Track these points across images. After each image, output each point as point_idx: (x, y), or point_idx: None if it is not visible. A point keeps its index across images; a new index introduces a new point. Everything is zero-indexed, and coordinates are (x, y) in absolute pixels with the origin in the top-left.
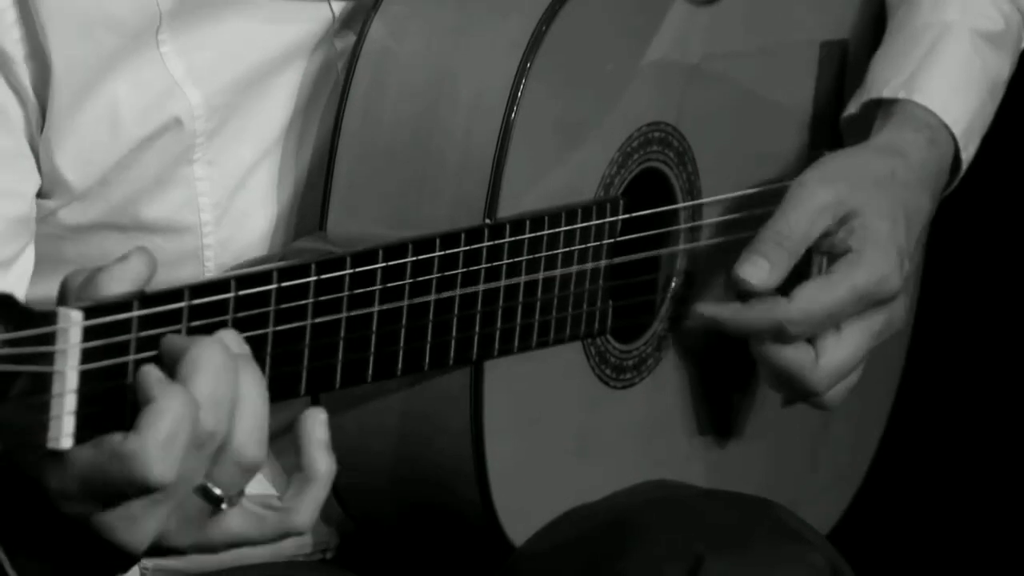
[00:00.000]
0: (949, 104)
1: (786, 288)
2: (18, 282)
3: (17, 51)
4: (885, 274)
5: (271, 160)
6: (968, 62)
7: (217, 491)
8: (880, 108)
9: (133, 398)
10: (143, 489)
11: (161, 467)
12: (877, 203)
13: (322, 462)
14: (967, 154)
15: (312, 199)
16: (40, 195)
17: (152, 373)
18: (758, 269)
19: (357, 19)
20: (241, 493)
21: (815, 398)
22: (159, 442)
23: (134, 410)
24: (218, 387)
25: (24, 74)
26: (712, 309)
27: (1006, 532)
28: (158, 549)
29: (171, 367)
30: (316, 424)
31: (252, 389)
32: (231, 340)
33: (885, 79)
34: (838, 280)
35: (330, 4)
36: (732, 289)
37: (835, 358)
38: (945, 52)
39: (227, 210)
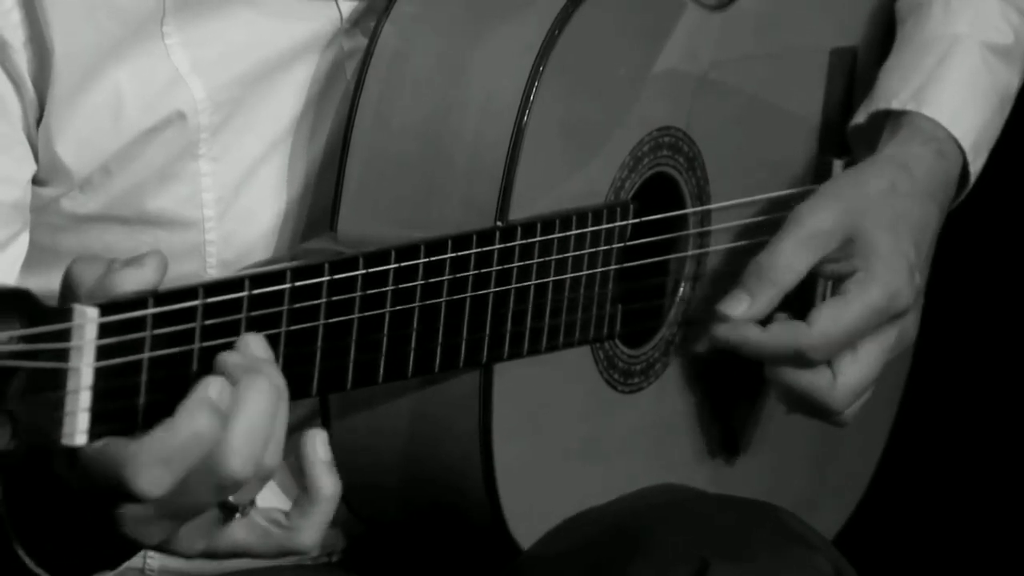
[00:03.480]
0: (958, 117)
1: (800, 315)
2: (10, 268)
3: (15, 36)
4: (897, 288)
5: (276, 158)
6: (977, 75)
7: (232, 500)
8: (888, 120)
9: (147, 397)
10: (126, 495)
11: (146, 481)
12: (875, 217)
13: (327, 483)
14: (975, 167)
15: (316, 198)
16: (39, 183)
17: (203, 389)
18: (738, 303)
19: (366, 20)
20: (252, 502)
21: (833, 417)
22: (158, 458)
23: (147, 408)
24: (260, 429)
25: (22, 60)
26: (732, 333)
27: (1009, 538)
28: (164, 549)
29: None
30: (317, 444)
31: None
32: (255, 344)
33: (893, 91)
34: (852, 299)
35: (337, 4)
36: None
37: (853, 378)
38: (954, 65)
39: (230, 206)
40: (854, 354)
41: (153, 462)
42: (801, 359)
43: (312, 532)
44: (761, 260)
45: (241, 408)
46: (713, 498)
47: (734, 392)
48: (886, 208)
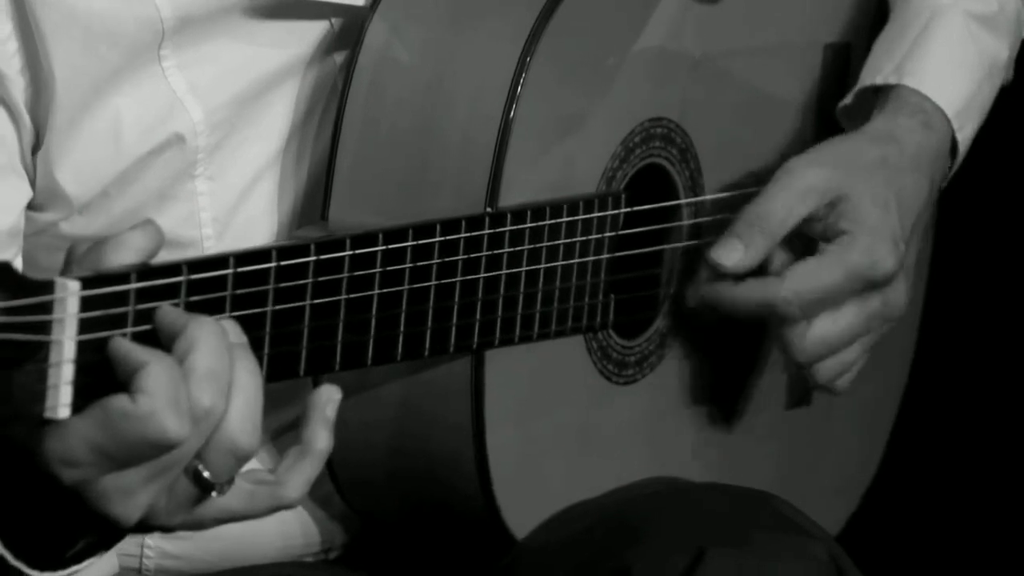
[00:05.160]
0: (941, 86)
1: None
2: None
3: (10, 66)
4: (879, 256)
5: (271, 174)
6: (960, 43)
7: (208, 476)
8: (877, 96)
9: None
10: (162, 447)
11: (176, 423)
12: (867, 188)
13: (322, 439)
14: (963, 135)
15: (313, 212)
16: (37, 208)
17: (129, 343)
18: (731, 251)
19: (356, 32)
20: (231, 481)
21: (804, 370)
22: (167, 400)
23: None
24: (215, 364)
25: (17, 89)
26: (706, 288)
27: (1010, 537)
28: (146, 525)
29: (167, 341)
30: (328, 402)
31: (247, 376)
32: (229, 328)
33: (878, 67)
34: (830, 261)
35: (330, 21)
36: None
37: (823, 329)
38: (936, 35)
39: (228, 225)
40: (834, 312)
41: (167, 406)
42: (773, 313)
43: (299, 485)
44: (755, 210)
45: (190, 350)
46: (708, 487)
47: (730, 388)
48: (876, 180)
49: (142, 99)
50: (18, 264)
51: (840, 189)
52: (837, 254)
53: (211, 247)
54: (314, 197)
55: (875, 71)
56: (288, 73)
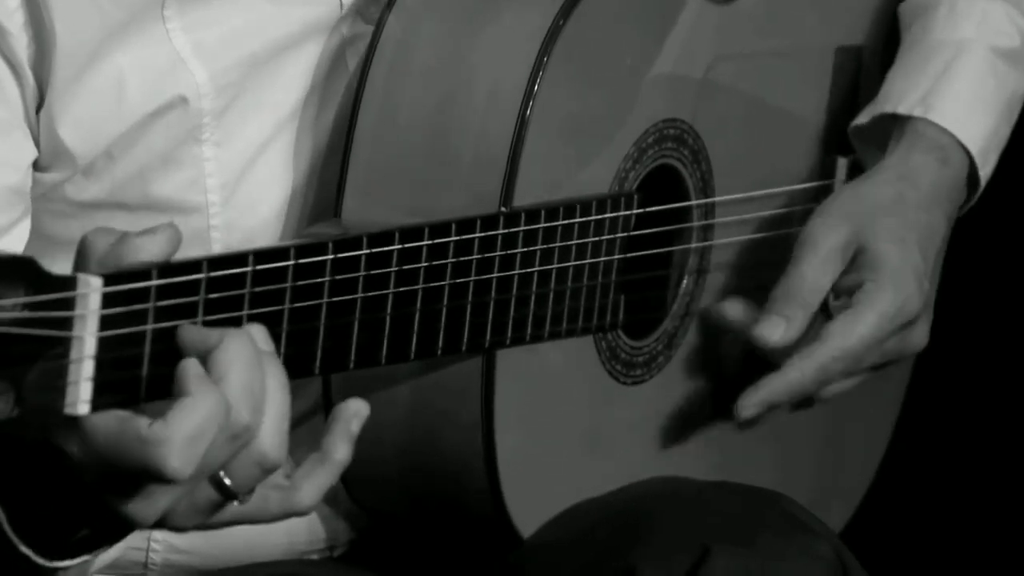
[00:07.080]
0: (965, 123)
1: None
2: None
3: (12, 22)
4: (906, 296)
5: (279, 144)
6: (984, 80)
7: (230, 485)
8: (895, 125)
9: (149, 368)
10: (157, 477)
11: (179, 462)
12: (884, 229)
13: (341, 451)
14: (984, 172)
15: (320, 184)
16: (41, 168)
17: (191, 368)
18: (775, 328)
19: (366, 6)
20: (252, 491)
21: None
22: (185, 437)
23: (150, 381)
24: (251, 379)
25: (20, 46)
26: (764, 394)
27: (1012, 534)
28: (161, 524)
29: (201, 358)
30: (355, 416)
31: (278, 387)
32: (258, 335)
33: (899, 94)
34: (863, 310)
35: None
36: (754, 343)
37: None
38: (961, 71)
39: (234, 191)
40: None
41: (182, 443)
42: (826, 377)
43: (312, 492)
44: (788, 284)
45: (231, 366)
46: (714, 486)
47: (736, 390)
48: (893, 220)
49: (145, 58)
50: (26, 225)
51: (858, 240)
52: (867, 303)
53: (216, 213)
54: (321, 170)
55: (897, 99)
56: (295, 42)
